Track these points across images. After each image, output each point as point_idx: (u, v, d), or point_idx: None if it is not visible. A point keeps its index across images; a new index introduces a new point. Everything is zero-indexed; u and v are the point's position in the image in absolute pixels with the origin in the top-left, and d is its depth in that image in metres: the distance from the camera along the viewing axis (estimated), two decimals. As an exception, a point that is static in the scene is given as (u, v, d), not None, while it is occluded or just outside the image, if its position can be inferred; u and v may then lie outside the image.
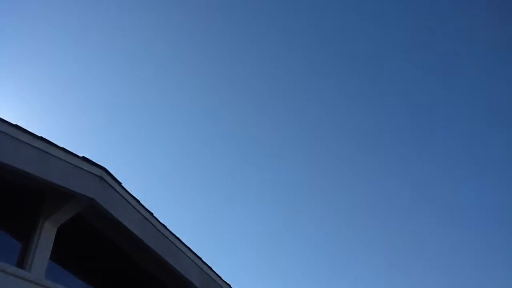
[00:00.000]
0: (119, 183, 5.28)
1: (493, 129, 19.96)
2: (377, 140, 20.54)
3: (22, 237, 5.04)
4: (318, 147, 20.50)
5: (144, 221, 5.57)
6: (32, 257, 4.91)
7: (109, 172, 5.15)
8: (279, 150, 20.50)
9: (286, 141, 20.43)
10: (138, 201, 5.49)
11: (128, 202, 5.39)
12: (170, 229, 5.88)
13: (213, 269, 6.50)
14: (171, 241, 5.90)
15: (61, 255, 5.37)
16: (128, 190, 5.38)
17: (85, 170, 4.98)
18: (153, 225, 5.67)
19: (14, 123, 4.50)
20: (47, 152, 4.68)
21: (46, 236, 5.05)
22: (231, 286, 6.79)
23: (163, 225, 5.80)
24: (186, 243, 6.11)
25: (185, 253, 6.10)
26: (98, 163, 5.09)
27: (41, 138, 4.66)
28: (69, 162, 4.85)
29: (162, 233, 5.79)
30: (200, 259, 6.33)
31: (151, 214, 5.65)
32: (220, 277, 6.61)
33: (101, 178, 5.09)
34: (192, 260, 6.21)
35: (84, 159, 4.99)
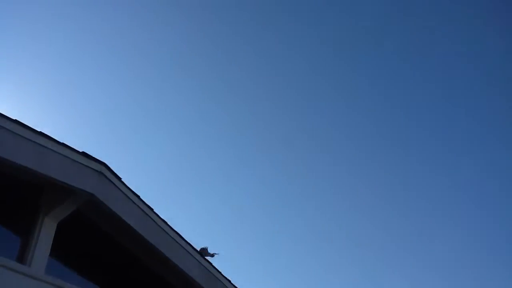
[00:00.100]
0: (119, 178, 5.29)
1: (492, 129, 19.97)
2: (376, 140, 20.56)
3: (22, 232, 5.05)
4: (314, 148, 20.52)
5: (145, 216, 5.57)
6: (32, 252, 4.92)
7: (108, 167, 5.16)
8: (275, 151, 20.51)
9: (282, 142, 20.44)
10: (138, 196, 5.49)
11: (128, 198, 5.39)
12: (171, 225, 5.88)
13: (213, 264, 6.51)
14: (171, 237, 5.90)
15: (61, 250, 5.38)
16: (128, 185, 5.38)
17: (84, 165, 4.99)
18: (154, 220, 5.68)
19: (14, 118, 4.51)
20: (46, 147, 4.69)
21: (46, 232, 5.06)
22: (231, 281, 6.79)
23: (164, 220, 5.80)
24: (186, 239, 6.12)
25: (185, 249, 6.10)
26: (98, 158, 5.10)
27: (41, 133, 4.67)
28: (68, 157, 4.86)
29: (163, 229, 5.79)
30: (201, 254, 6.33)
31: (151, 209, 5.65)
32: (220, 273, 6.61)
33: (101, 173, 5.10)
34: (193, 255, 6.21)
35: (84, 154, 4.99)
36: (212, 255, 6.53)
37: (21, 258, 4.90)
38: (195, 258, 6.26)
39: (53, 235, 5.13)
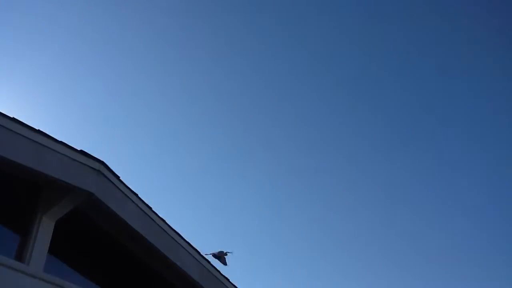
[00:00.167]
0: (117, 177, 5.28)
1: (491, 129, 19.97)
2: (359, 146, 20.59)
3: (20, 230, 5.05)
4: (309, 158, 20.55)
5: (143, 215, 5.57)
6: (31, 250, 4.92)
7: (107, 165, 5.16)
8: (275, 151, 20.51)
9: (277, 150, 20.49)
10: (137, 195, 5.50)
11: (127, 196, 5.39)
12: (169, 223, 5.89)
13: (211, 263, 6.51)
14: (169, 235, 5.90)
15: (59, 248, 5.37)
16: (127, 184, 5.38)
17: (83, 163, 4.99)
18: (152, 219, 5.68)
19: (12, 116, 4.52)
20: (45, 146, 4.69)
21: (44, 230, 5.06)
22: (229, 280, 6.79)
23: (162, 219, 5.80)
24: (185, 237, 6.12)
25: (183, 247, 6.10)
26: (96, 156, 5.10)
27: (39, 132, 4.67)
28: (67, 156, 4.86)
29: (161, 227, 5.79)
30: (199, 253, 6.34)
31: (150, 208, 5.65)
32: (218, 271, 6.61)
33: (99, 171, 5.10)
34: (191, 254, 6.21)
35: (82, 152, 4.99)
36: (226, 254, 6.54)
37: (20, 256, 4.90)
38: (194, 256, 6.26)
39: (51, 234, 5.13)
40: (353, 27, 18.99)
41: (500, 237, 21.14)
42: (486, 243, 21.24)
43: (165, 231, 5.86)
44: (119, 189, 5.32)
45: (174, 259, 5.96)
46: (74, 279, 5.49)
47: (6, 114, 4.47)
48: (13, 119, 4.49)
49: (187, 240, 6.16)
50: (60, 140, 4.81)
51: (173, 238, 5.96)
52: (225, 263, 6.59)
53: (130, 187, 5.45)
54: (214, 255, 6.37)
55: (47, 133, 4.72)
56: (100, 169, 5.10)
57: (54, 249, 5.21)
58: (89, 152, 5.03)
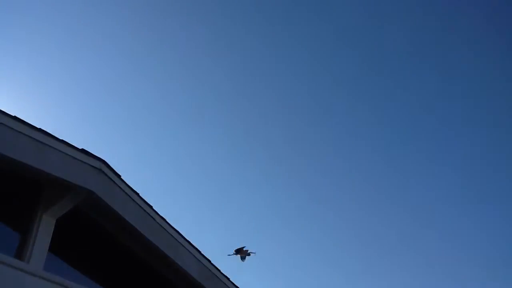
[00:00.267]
0: (118, 176, 5.28)
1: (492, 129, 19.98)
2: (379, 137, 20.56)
3: (21, 228, 5.05)
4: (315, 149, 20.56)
5: (144, 214, 5.57)
6: (31, 248, 4.92)
7: (108, 164, 5.16)
8: (275, 151, 20.54)
9: (275, 156, 20.53)
10: (138, 194, 5.49)
11: (127, 195, 5.39)
12: (170, 222, 5.89)
13: (212, 262, 6.51)
14: (170, 234, 5.90)
15: (60, 247, 5.37)
16: (128, 183, 5.38)
17: (84, 162, 4.98)
18: (153, 218, 5.68)
19: (13, 115, 4.51)
20: (46, 144, 4.69)
21: (44, 228, 5.06)
22: (230, 279, 6.79)
23: (163, 218, 5.80)
24: (185, 236, 6.12)
25: (184, 246, 6.10)
26: (97, 155, 5.10)
27: (40, 130, 4.67)
28: (68, 154, 4.86)
29: (162, 226, 5.79)
30: (200, 252, 6.33)
31: (151, 207, 5.65)
32: (219, 270, 6.61)
33: (100, 170, 5.09)
34: (191, 253, 6.21)
35: (83, 151, 4.99)
36: (249, 254, 6.54)
37: (20, 254, 4.90)
38: (194, 255, 6.25)
39: (51, 232, 5.12)
40: (352, 28, 18.99)
41: (500, 237, 21.14)
42: (486, 243, 21.25)
43: (165, 229, 5.86)
44: (120, 188, 5.32)
45: (174, 257, 5.96)
46: (75, 278, 5.49)
47: (7, 112, 4.47)
48: (14, 117, 4.48)
49: (187, 239, 6.16)
50: (61, 138, 4.81)
51: (173, 237, 5.96)
52: (243, 260, 6.58)
53: (131, 186, 5.45)
54: (237, 250, 6.36)
55: (49, 131, 4.72)
56: (101, 167, 5.10)
57: (55, 248, 5.20)
58: (90, 151, 5.03)
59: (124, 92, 18.73)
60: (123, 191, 5.35)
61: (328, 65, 19.70)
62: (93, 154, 5.04)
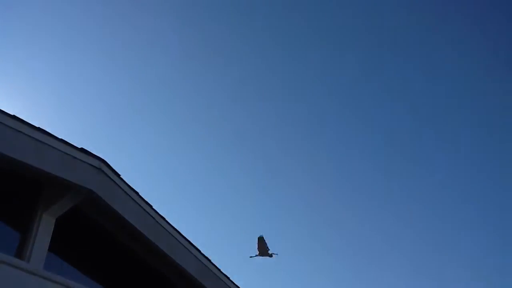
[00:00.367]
0: (118, 175, 5.29)
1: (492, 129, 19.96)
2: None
3: (21, 228, 5.06)
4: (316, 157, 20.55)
5: (143, 213, 5.58)
6: (31, 248, 4.93)
7: (107, 163, 5.16)
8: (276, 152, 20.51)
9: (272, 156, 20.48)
10: (137, 193, 5.50)
11: (127, 194, 5.39)
12: (169, 221, 5.89)
13: (211, 261, 6.51)
14: (170, 233, 5.91)
15: (60, 246, 5.38)
16: (127, 182, 5.39)
17: (83, 161, 4.99)
18: (152, 217, 5.68)
19: (13, 114, 4.52)
20: (45, 143, 4.70)
21: (44, 227, 5.07)
22: (230, 278, 6.80)
23: (162, 216, 5.81)
24: (185, 235, 6.12)
25: (183, 245, 6.10)
26: (97, 154, 5.10)
27: (40, 129, 4.68)
28: (67, 153, 4.86)
29: (161, 225, 5.79)
30: (199, 251, 6.33)
31: (150, 206, 5.65)
32: (218, 269, 6.61)
33: (100, 169, 5.10)
34: (191, 252, 6.21)
35: (83, 150, 4.99)
36: (271, 256, 6.54)
37: (20, 253, 4.91)
38: (193, 254, 6.26)
39: (51, 231, 5.13)
40: (352, 33, 19.01)
41: (501, 237, 21.13)
42: (486, 243, 21.24)
43: (165, 228, 5.86)
44: (120, 187, 5.32)
45: (173, 256, 5.97)
46: (74, 277, 5.50)
47: (7, 111, 4.48)
48: (14, 117, 4.49)
49: (187, 238, 6.17)
50: (60, 137, 4.82)
51: (173, 236, 5.97)
52: (271, 256, 6.58)
53: (131, 185, 5.45)
54: (260, 252, 6.35)
55: (48, 130, 4.73)
56: (101, 167, 5.10)
57: (55, 247, 5.21)
58: (89, 150, 5.04)
59: (124, 92, 18.74)
60: (123, 190, 5.36)
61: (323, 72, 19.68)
62: (92, 153, 5.05)
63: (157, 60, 18.80)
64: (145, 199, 5.60)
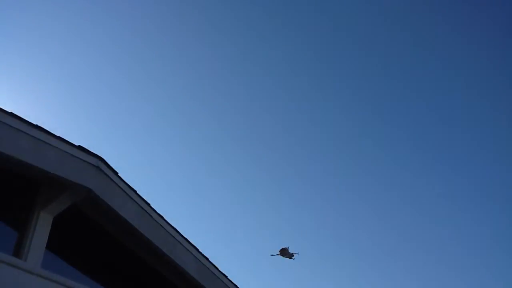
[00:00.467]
0: (116, 173, 5.26)
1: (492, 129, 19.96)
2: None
3: (18, 226, 5.02)
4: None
5: (141, 211, 5.55)
6: (28, 246, 4.89)
7: (105, 161, 5.13)
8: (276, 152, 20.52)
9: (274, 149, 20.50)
10: (135, 191, 5.47)
11: (125, 192, 5.36)
12: (168, 220, 5.87)
13: (210, 260, 6.49)
14: (168, 232, 5.88)
15: (57, 244, 5.35)
16: (125, 180, 5.36)
17: (81, 159, 4.95)
18: (150, 215, 5.65)
19: (10, 111, 4.49)
20: (43, 141, 4.66)
21: (42, 226, 5.03)
22: (228, 276, 6.78)
23: (160, 215, 5.78)
24: (183, 234, 6.10)
25: (182, 244, 6.08)
26: (95, 152, 5.07)
27: (37, 127, 4.64)
28: (65, 151, 4.83)
29: (159, 224, 5.76)
30: (197, 249, 6.31)
31: (148, 204, 5.62)
32: (217, 268, 6.59)
33: (98, 167, 5.07)
34: (189, 250, 6.19)
35: (81, 148, 4.96)
36: (292, 256, 6.53)
37: (17, 252, 4.87)
38: (192, 253, 6.24)
39: (49, 230, 5.10)
40: (355, 28, 18.99)
41: (501, 237, 21.13)
42: (487, 244, 21.24)
43: (163, 227, 5.83)
44: (118, 185, 5.29)
45: (171, 255, 5.94)
46: (72, 275, 5.47)
47: (4, 109, 4.44)
48: (11, 114, 4.46)
49: (185, 236, 6.14)
50: (58, 135, 4.78)
51: (171, 235, 5.94)
52: (291, 257, 6.60)
53: (129, 184, 5.42)
54: (281, 251, 6.35)
55: (45, 128, 4.70)
56: (99, 165, 5.07)
57: (52, 246, 5.18)
58: (87, 148, 5.01)
59: (122, 89, 18.70)
60: (121, 188, 5.32)
61: (330, 64, 19.70)
62: (90, 151, 5.02)
63: (157, 60, 18.77)
64: (144, 197, 5.58)
